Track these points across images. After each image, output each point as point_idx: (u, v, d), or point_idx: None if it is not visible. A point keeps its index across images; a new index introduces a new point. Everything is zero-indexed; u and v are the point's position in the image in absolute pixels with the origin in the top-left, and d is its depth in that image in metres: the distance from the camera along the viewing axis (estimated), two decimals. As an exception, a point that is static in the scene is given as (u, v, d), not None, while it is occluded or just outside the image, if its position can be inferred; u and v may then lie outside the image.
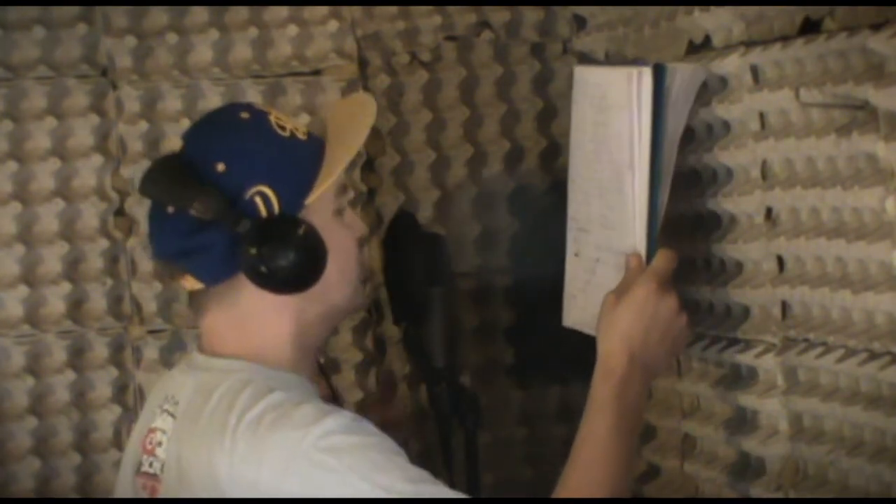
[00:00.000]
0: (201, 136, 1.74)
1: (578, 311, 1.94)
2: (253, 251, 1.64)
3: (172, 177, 1.68)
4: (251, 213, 1.66)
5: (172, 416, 1.71)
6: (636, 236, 1.82)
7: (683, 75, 1.84)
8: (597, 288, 1.85)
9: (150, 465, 1.71)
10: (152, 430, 1.73)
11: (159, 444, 1.70)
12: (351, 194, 2.37)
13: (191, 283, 1.74)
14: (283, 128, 1.73)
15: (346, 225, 1.76)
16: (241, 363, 1.70)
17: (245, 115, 1.74)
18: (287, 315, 1.72)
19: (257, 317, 1.72)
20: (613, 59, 2.22)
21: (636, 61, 2.02)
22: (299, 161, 1.71)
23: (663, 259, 1.79)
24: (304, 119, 2.36)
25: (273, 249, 1.65)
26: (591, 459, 1.67)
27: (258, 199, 1.67)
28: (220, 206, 1.64)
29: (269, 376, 1.69)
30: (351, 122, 1.79)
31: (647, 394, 1.76)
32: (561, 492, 1.66)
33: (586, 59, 2.31)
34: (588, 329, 1.83)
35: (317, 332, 1.77)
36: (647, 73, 1.79)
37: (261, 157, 1.69)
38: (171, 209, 1.68)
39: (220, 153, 1.68)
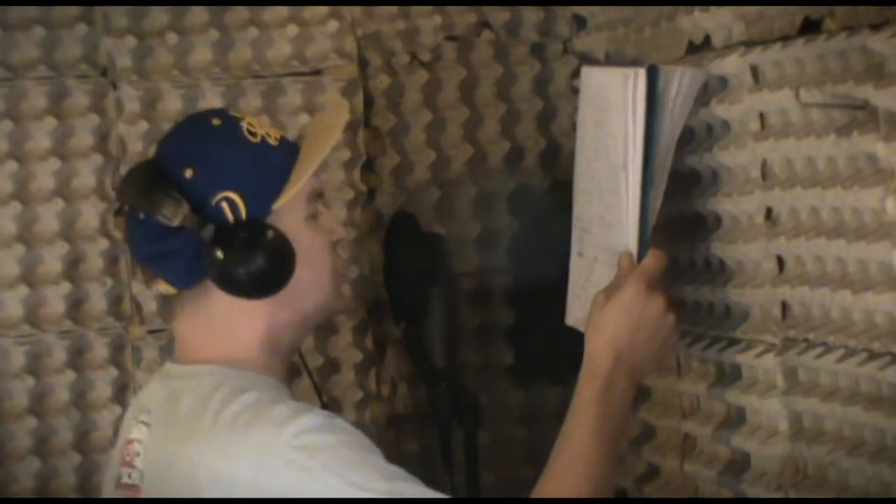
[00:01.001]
0: (173, 143, 1.76)
1: (579, 310, 1.94)
2: (218, 256, 1.65)
3: (143, 182, 1.70)
4: (217, 219, 1.67)
5: (147, 425, 1.72)
6: (629, 237, 1.83)
7: (683, 78, 1.82)
8: (594, 287, 1.85)
9: (129, 476, 1.71)
10: (129, 442, 1.73)
11: (137, 454, 1.71)
12: (351, 196, 2.37)
13: (165, 288, 1.76)
14: (253, 134, 1.73)
15: (319, 230, 1.76)
16: (210, 367, 1.71)
17: (217, 121, 1.75)
18: (258, 319, 1.73)
19: (228, 321, 1.72)
20: (617, 59, 2.21)
21: (636, 62, 2.01)
22: (268, 166, 1.72)
23: (653, 259, 1.79)
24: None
25: (238, 254, 1.66)
26: (571, 460, 1.67)
27: (224, 205, 1.68)
28: (185, 212, 1.65)
29: (240, 378, 1.69)
30: (324, 129, 1.81)
31: (632, 394, 1.75)
32: (539, 492, 1.65)
33: (589, 59, 2.31)
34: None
35: (290, 336, 1.77)
36: (642, 75, 1.79)
37: (229, 163, 1.70)
38: (141, 215, 1.70)
39: (189, 159, 1.70)
